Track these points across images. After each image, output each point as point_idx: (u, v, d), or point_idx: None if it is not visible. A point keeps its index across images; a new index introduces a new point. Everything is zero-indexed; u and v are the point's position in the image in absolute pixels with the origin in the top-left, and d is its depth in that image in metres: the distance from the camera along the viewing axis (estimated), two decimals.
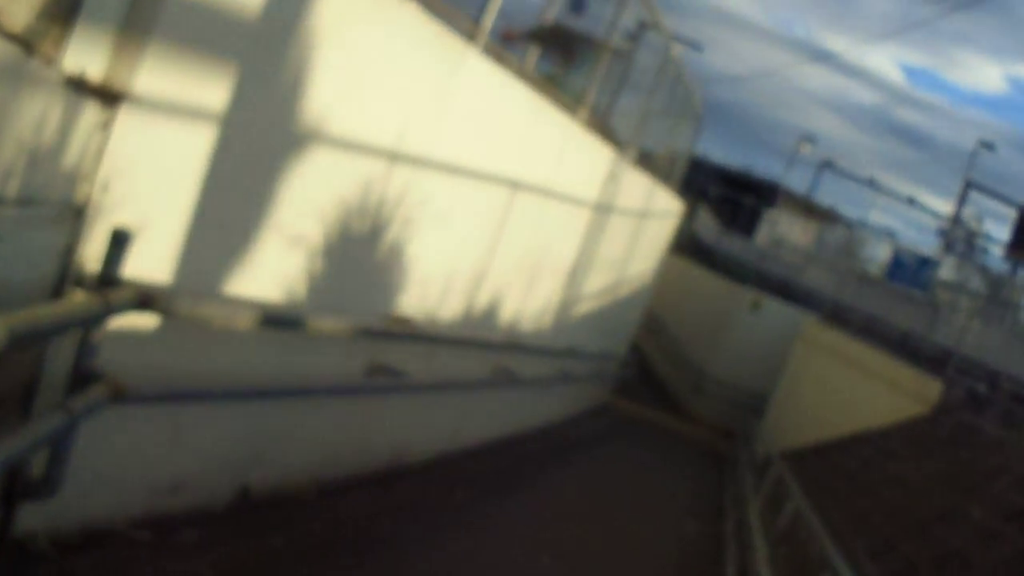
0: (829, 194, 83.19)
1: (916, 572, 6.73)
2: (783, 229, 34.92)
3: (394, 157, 5.69)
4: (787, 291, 23.77)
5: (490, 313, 8.52)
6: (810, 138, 37.53)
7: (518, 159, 7.89)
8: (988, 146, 29.56)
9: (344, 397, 6.04)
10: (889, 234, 37.85)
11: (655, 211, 15.07)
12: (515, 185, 7.97)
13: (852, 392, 16.32)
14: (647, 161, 13.35)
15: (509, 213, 8.05)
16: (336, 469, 6.53)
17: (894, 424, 14.48)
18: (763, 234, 34.54)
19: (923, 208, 40.87)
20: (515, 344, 9.23)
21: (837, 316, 19.76)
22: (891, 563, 7.17)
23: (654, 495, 11.86)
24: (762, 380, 21.65)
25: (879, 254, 31.64)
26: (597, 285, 12.41)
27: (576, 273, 10.86)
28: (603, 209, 11.11)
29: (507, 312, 9.01)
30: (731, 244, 30.41)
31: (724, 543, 9.77)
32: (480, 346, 8.15)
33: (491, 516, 7.50)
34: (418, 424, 7.82)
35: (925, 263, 23.53)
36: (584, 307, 12.21)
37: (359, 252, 5.82)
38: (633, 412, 19.08)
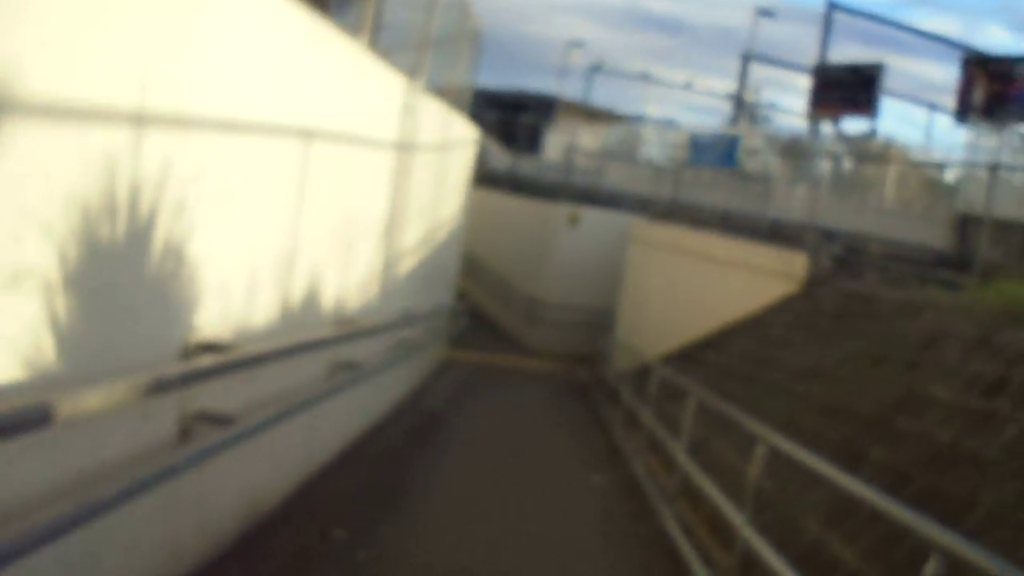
0: (606, 97, 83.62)
1: (910, 481, 5.57)
2: (569, 139, 34.10)
3: (139, 119, 3.83)
4: (599, 199, 22.80)
5: (311, 299, 6.71)
6: (577, 44, 36.79)
7: (304, 101, 6.02)
8: (768, 13, 29.46)
9: (152, 489, 4.07)
10: (669, 122, 37.87)
11: (455, 142, 13.47)
12: (308, 135, 6.15)
13: (706, 286, 15.40)
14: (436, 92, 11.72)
15: (307, 171, 6.17)
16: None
17: (765, 309, 13.63)
18: (552, 148, 33.63)
19: (702, 91, 41.08)
20: (347, 327, 7.42)
21: (667, 212, 18.88)
22: (869, 473, 5.85)
23: (540, 448, 10.52)
24: (602, 295, 20.65)
25: (669, 140, 31.26)
26: (414, 235, 10.75)
27: (392, 227, 9.16)
28: (406, 148, 9.40)
29: (330, 292, 7.18)
30: (527, 165, 29.30)
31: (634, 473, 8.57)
32: (309, 347, 6.31)
33: (383, 540, 5.87)
34: (262, 465, 6.06)
35: (724, 140, 23.12)
36: (407, 263, 10.53)
37: (121, 271, 3.88)
38: (477, 362, 17.67)
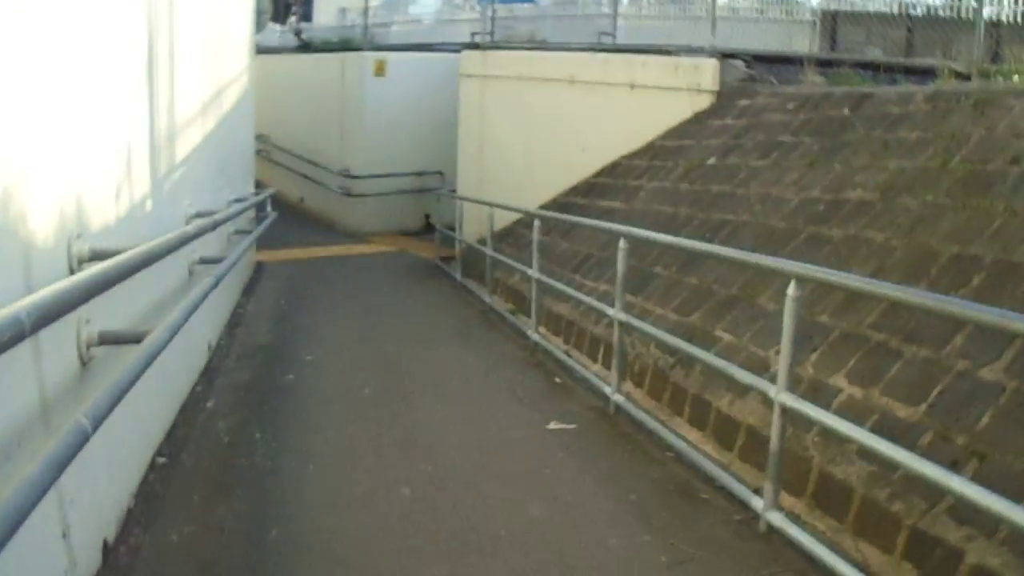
0: None
1: None
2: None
3: None
4: (405, 48, 19.02)
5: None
6: None
7: None
8: None
9: None
10: None
11: None
12: None
13: (578, 117, 12.17)
14: None
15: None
16: None
17: (666, 135, 10.57)
18: (324, 13, 29.06)
19: None
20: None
21: (496, 42, 15.36)
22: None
23: (444, 361, 7.27)
24: (430, 155, 17.16)
25: None
26: (194, 97, 7.08)
27: (157, 77, 5.50)
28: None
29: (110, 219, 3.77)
30: (311, 31, 24.90)
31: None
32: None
33: None
34: None
35: None
36: (188, 140, 6.87)
37: None
38: (294, 260, 14.05)
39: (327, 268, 13.54)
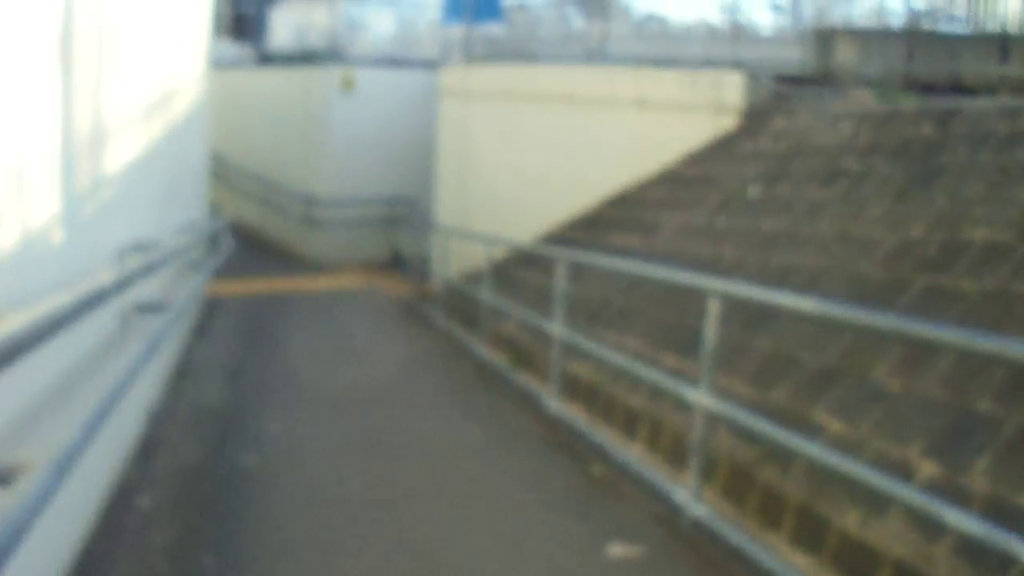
0: None
1: None
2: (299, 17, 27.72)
3: None
4: (377, 63, 17.51)
5: None
6: None
7: None
8: None
9: None
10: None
11: None
12: None
13: (577, 141, 10.78)
14: None
15: None
16: None
17: (684, 161, 9.20)
18: (279, 31, 27.33)
19: None
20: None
21: (478, 55, 13.93)
22: None
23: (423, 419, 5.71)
24: (401, 179, 15.68)
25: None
26: (134, 127, 5.57)
27: (87, 110, 3.98)
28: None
29: None
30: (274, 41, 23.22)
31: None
32: None
33: None
34: None
35: None
36: (135, 174, 5.35)
37: None
38: (249, 294, 12.48)
39: (290, 305, 11.96)
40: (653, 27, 14.85)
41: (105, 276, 3.67)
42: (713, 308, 4.39)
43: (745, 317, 5.77)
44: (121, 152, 5.05)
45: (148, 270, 4.64)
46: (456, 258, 11.04)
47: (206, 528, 4.32)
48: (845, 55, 11.54)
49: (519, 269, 10.07)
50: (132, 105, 5.48)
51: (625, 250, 8.58)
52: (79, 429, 2.79)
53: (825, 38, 11.81)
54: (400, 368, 8.35)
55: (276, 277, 14.04)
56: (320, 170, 15.87)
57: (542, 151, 11.14)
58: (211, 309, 11.12)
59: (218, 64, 16.15)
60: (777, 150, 8.07)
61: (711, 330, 4.40)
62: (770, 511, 4.49)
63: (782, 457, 4.54)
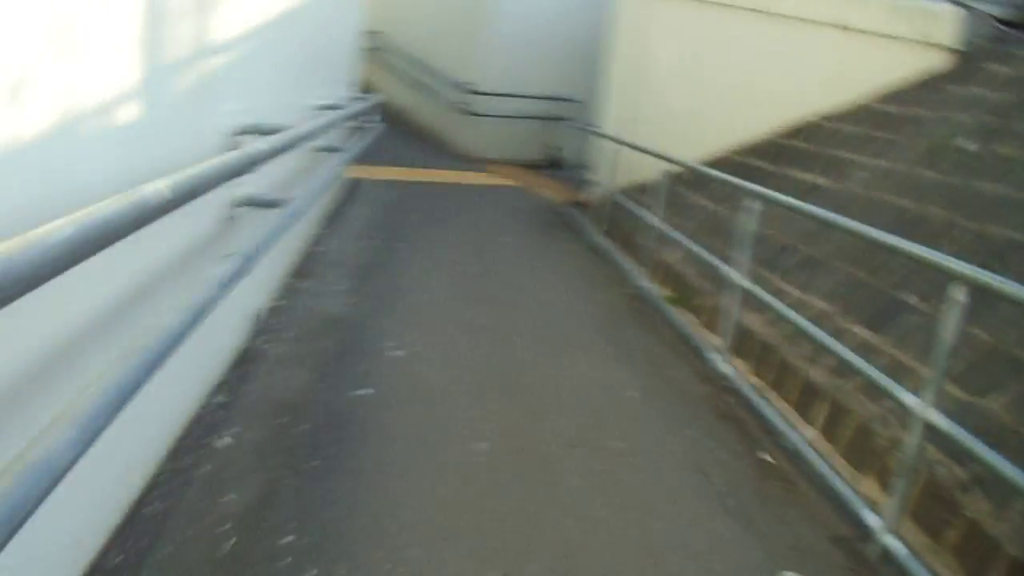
0: None
1: None
2: None
3: None
4: None
5: None
6: None
7: None
8: None
9: None
10: None
11: None
12: None
13: (766, 60, 9.48)
14: None
15: None
16: None
17: (878, 97, 7.90)
18: None
19: None
20: None
21: None
22: None
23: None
24: (565, 77, 14.57)
25: None
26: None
27: None
28: None
29: None
30: None
31: None
32: None
33: None
34: None
35: None
36: (249, 49, 4.50)
37: None
38: (394, 182, 11.71)
39: (435, 200, 11.13)
40: None
41: (205, 164, 2.82)
42: (957, 297, 3.27)
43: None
44: (235, 15, 4.18)
45: (261, 157, 3.79)
46: (620, 170, 9.95)
47: (292, 492, 3.51)
48: None
49: (687, 190, 8.95)
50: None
51: (812, 190, 7.38)
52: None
53: None
54: (546, 290, 7.42)
55: (425, 168, 13.23)
56: (481, 58, 14.84)
57: (726, 65, 9.83)
58: (351, 195, 10.41)
59: None
60: (997, 100, 6.69)
61: (950, 326, 3.29)
62: (975, 553, 3.40)
63: (997, 486, 3.45)
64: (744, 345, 5.77)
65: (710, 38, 10.10)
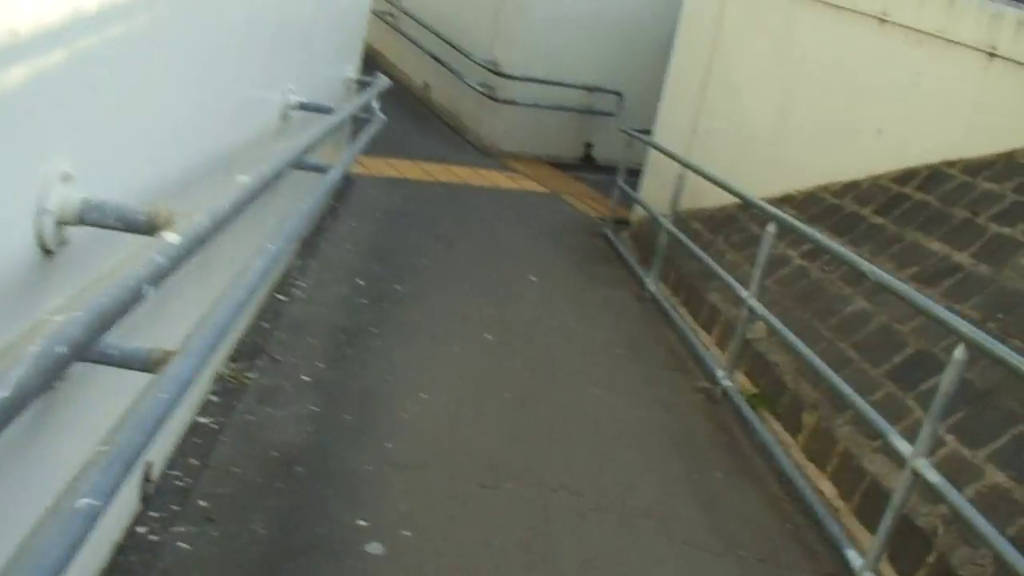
0: None
1: None
2: None
3: None
4: None
5: None
6: None
7: None
8: None
9: None
10: None
11: None
12: None
13: (879, 77, 7.43)
14: None
15: None
16: None
17: None
18: None
19: None
20: None
21: None
22: None
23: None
24: (609, 64, 12.58)
25: None
26: None
27: None
28: None
29: None
30: None
31: None
32: None
33: None
34: None
35: None
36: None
37: None
38: (405, 180, 9.73)
39: (447, 212, 9.09)
40: None
41: None
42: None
43: None
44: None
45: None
46: (675, 187, 7.95)
47: None
48: None
49: (754, 224, 7.06)
50: None
51: (949, 268, 5.47)
52: None
53: None
54: (593, 381, 5.44)
55: (436, 161, 11.21)
56: (510, 35, 12.78)
57: (824, 81, 7.77)
58: (342, 200, 8.41)
59: None
60: None
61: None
62: None
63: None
64: (817, 446, 3.83)
65: (802, 44, 8.09)
